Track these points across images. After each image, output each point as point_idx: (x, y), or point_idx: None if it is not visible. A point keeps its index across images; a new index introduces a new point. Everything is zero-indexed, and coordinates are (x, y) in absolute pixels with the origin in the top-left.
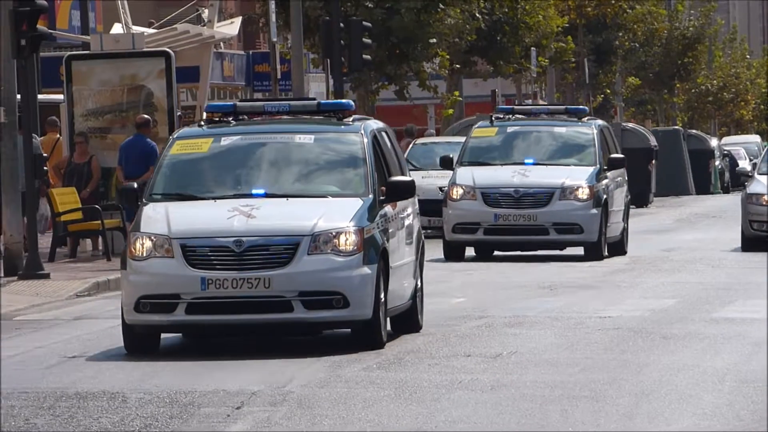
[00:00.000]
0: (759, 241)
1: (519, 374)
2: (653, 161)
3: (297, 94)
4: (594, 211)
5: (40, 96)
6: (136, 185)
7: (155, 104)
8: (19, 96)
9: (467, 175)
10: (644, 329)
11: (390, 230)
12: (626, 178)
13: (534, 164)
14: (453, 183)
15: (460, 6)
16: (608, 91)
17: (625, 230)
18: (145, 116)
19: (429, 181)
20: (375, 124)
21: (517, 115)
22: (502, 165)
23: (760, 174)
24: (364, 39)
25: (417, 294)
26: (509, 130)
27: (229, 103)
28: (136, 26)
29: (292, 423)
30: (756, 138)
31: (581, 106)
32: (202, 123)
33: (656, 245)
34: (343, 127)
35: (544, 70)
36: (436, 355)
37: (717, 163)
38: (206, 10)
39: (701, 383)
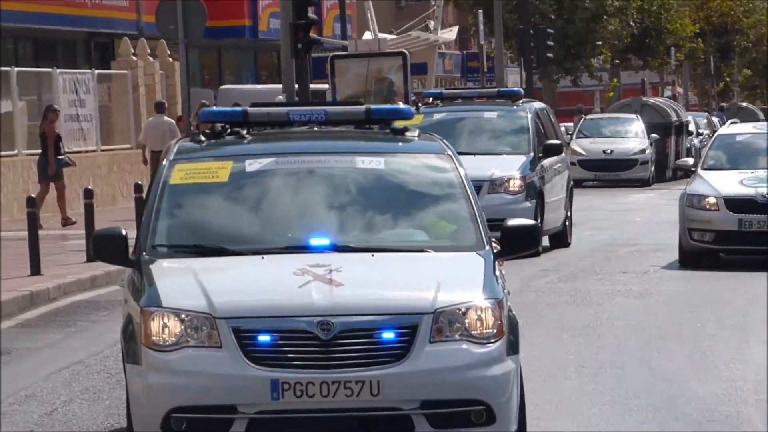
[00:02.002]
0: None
1: (663, 285)
2: None
3: (499, 85)
4: (527, 204)
5: (311, 86)
6: (124, 231)
7: (396, 91)
8: (296, 86)
9: None
10: None
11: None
12: (568, 164)
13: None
14: None
15: (619, 17)
16: (728, 79)
17: (567, 219)
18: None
19: (596, 145)
20: (438, 137)
21: (446, 100)
22: None
23: (704, 169)
24: (548, 42)
25: None
26: (435, 117)
27: (236, 108)
28: (381, 33)
29: None
30: None
31: (515, 88)
32: (202, 138)
33: None
34: (412, 143)
35: (681, 64)
36: (600, 272)
37: None
38: (432, 21)
39: None
